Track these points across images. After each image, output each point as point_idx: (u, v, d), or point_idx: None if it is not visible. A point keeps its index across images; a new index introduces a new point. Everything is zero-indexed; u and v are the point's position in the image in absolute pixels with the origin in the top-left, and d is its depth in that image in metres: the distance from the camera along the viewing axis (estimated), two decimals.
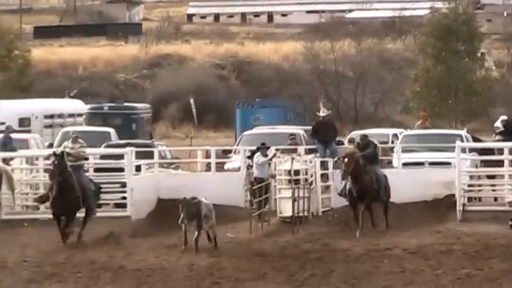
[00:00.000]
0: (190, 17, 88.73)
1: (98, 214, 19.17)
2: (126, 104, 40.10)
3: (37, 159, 23.19)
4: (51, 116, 38.05)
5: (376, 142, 19.37)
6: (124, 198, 20.60)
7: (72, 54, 63.77)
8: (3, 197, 19.78)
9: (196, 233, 14.85)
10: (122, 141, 27.66)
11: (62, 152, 16.88)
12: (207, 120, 51.30)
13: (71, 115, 38.63)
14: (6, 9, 78.81)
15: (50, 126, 36.65)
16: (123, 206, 20.71)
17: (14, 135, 26.86)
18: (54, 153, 17.07)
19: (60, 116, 38.42)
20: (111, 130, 31.08)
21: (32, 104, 40.25)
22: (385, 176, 17.91)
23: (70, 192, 16.33)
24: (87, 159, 18.51)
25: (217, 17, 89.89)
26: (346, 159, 17.18)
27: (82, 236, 16.36)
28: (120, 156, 21.90)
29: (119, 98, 47.42)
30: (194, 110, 50.65)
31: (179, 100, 52.97)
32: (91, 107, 37.98)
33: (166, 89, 54.72)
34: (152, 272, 14.59)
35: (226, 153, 25.08)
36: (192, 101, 49.61)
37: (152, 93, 54.06)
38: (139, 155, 22.14)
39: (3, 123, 30.51)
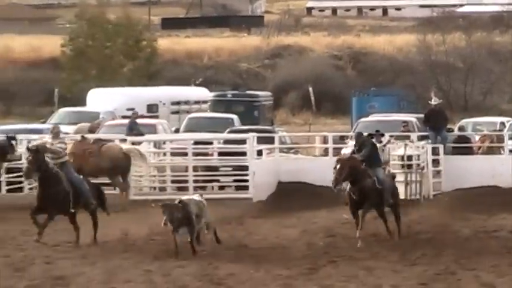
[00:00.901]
0: (309, 10, 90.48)
1: (221, 195, 20.34)
2: (248, 92, 40.75)
3: (164, 143, 24.21)
4: (178, 103, 38.97)
5: (375, 142, 17.13)
6: (246, 181, 21.29)
7: (197, 44, 65.70)
8: (132, 178, 20.98)
9: (189, 238, 13.21)
10: (245, 127, 28.36)
11: (37, 147, 15.18)
12: (324, 107, 52.57)
13: (197, 102, 39.34)
14: (136, 1, 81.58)
15: (177, 112, 37.59)
16: (244, 188, 21.37)
17: (142, 121, 28.06)
18: (28, 148, 15.58)
19: (186, 102, 39.28)
20: (234, 116, 31.82)
21: (160, 91, 41.38)
22: (393, 177, 16.79)
23: (56, 185, 14.52)
24: (65, 155, 15.66)
25: (334, 10, 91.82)
26: (337, 165, 15.20)
27: (96, 240, 14.35)
28: (242, 141, 22.63)
29: (242, 86, 48.36)
30: (313, 98, 51.64)
31: (298, 88, 54.01)
32: (215, 95, 38.60)
33: (286, 78, 56.10)
34: (272, 251, 14.59)
35: (342, 139, 25.63)
36: (310, 89, 50.47)
37: (273, 82, 55.39)
38: (260, 140, 22.73)
39: (132, 109, 30.82)
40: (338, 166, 14.87)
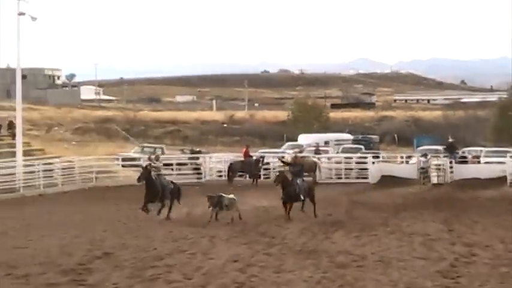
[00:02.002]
0: None
1: (356, 181, 34.77)
2: (367, 135, 57.34)
3: (329, 159, 39.03)
4: (338, 140, 50.89)
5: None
6: (367, 175, 35.48)
7: (346, 115, 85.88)
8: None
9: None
10: (366, 151, 42.93)
11: (146, 166, 22.61)
12: (400, 143, 64.21)
13: (346, 140, 51.77)
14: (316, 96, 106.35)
15: (338, 144, 48.00)
16: (366, 177, 35.37)
17: (322, 148, 41.52)
18: (141, 167, 23.58)
19: (342, 140, 51.12)
20: (362, 146, 45.67)
21: (330, 135, 54.06)
22: (308, 185, 23.63)
23: (153, 187, 21.64)
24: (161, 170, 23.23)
25: None
26: (277, 176, 23.38)
27: (169, 218, 21.67)
28: (364, 158, 37.81)
29: (365, 133, 61.38)
30: (396, 139, 66.18)
31: (389, 135, 69.06)
32: (354, 137, 53.42)
33: (383, 130, 71.68)
34: (383, 203, 27.05)
35: (409, 157, 39.24)
36: (395, 135, 66.98)
37: (379, 131, 68.80)
38: (373, 157, 37.60)
39: (317, 143, 43.16)
40: (277, 176, 23.70)
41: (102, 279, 13.28)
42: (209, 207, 21.05)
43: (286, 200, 22.50)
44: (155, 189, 21.58)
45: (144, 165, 23.92)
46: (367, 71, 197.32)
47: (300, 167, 23.98)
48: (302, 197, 22.71)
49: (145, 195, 21.59)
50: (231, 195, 21.44)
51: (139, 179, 22.13)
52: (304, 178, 24.52)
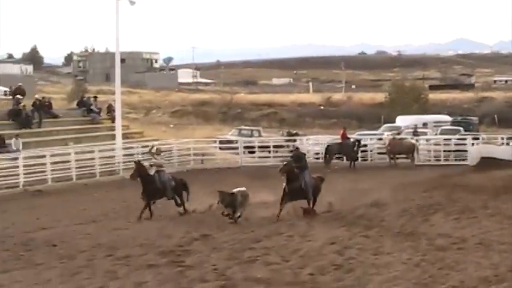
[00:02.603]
0: None
1: (455, 163, 34.01)
2: (467, 117, 53.91)
3: (428, 140, 38.00)
4: (437, 122, 50.26)
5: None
6: (466, 157, 34.68)
7: (445, 96, 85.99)
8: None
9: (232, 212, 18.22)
10: (465, 133, 40.79)
11: (139, 161, 21.18)
12: (500, 125, 61.77)
13: (445, 122, 50.19)
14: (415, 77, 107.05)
15: (436, 126, 47.22)
16: (465, 159, 34.53)
17: (420, 130, 40.82)
18: (134, 162, 21.14)
19: (441, 122, 50.30)
20: (461, 128, 44.11)
21: (428, 117, 53.51)
22: (316, 183, 19.98)
23: (152, 183, 19.81)
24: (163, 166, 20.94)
25: None
26: (283, 167, 19.72)
27: (184, 212, 19.91)
28: (464, 139, 36.70)
29: (464, 114, 59.43)
30: (496, 120, 64.28)
31: (489, 116, 66.53)
32: (453, 119, 51.27)
33: (485, 111, 69.51)
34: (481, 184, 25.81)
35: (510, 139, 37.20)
36: (495, 116, 65.13)
37: (479, 112, 66.07)
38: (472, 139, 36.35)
39: (415, 125, 42.06)
40: (283, 167, 19.77)
41: (200, 261, 13.57)
42: (218, 202, 18.89)
43: (287, 197, 19.68)
44: (153, 186, 20.02)
45: (136, 159, 22.60)
46: (466, 52, 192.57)
47: (304, 161, 20.56)
48: (310, 196, 19.83)
49: (143, 193, 19.94)
50: (243, 189, 19.20)
51: (132, 176, 20.34)
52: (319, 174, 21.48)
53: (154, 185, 19.82)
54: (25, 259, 14.40)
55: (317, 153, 35.91)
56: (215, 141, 39.07)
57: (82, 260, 14.01)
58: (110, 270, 13.06)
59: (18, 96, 34.24)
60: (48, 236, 17.26)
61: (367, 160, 36.08)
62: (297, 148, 23.05)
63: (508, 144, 36.90)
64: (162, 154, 22.20)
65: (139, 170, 20.00)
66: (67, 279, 12.49)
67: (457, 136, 39.67)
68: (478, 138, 37.89)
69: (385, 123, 52.06)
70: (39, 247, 15.70)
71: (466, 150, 35.47)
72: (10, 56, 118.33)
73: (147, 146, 29.14)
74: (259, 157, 36.93)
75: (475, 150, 34.84)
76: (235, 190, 18.75)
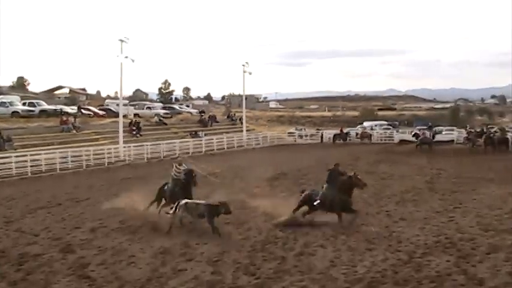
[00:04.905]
0: None
1: None
2: None
3: None
4: None
5: None
6: None
7: None
8: None
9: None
10: None
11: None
12: None
13: None
14: None
15: None
16: None
17: None
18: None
19: None
20: None
21: None
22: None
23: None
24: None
25: None
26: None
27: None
28: None
29: None
30: None
31: None
32: None
33: None
34: None
35: None
36: None
37: None
38: None
39: None
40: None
41: None
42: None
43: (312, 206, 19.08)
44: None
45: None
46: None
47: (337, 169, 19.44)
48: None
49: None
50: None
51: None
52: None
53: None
54: None
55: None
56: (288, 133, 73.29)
57: None
58: None
59: None
60: None
61: (350, 140, 65.24)
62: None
63: (411, 134, 61.52)
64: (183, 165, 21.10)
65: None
66: None
67: (390, 130, 71.26)
68: (398, 131, 71.03)
69: (359, 124, 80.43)
70: None
71: (393, 137, 65.86)
72: None
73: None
74: (305, 138, 71.18)
75: (397, 136, 65.12)
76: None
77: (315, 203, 19.07)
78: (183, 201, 18.09)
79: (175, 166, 21.14)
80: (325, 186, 19.45)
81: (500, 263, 14.34)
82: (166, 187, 21.08)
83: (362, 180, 19.26)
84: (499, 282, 13.10)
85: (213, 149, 55.65)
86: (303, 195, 19.93)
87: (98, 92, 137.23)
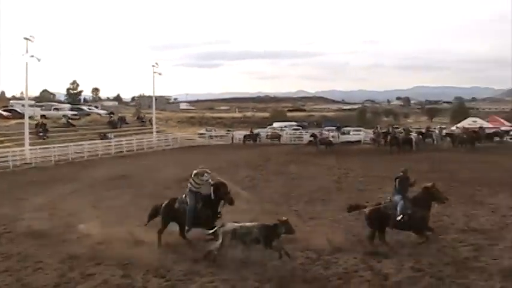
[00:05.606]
0: None
1: None
2: None
3: None
4: None
5: None
6: None
7: None
8: None
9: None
10: None
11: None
12: None
13: None
14: None
15: None
16: None
17: None
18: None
19: None
20: None
21: None
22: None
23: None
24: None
25: None
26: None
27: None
28: None
29: None
30: None
31: None
32: None
33: None
34: None
35: None
36: None
37: None
38: None
39: None
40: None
41: None
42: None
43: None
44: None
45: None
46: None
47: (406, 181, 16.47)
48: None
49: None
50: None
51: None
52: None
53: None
54: None
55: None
56: (198, 134, 74.96)
57: None
58: None
59: None
60: None
61: (260, 141, 65.31)
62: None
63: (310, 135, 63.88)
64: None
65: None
66: None
67: (299, 131, 72.85)
68: (307, 132, 72.26)
69: (268, 125, 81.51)
70: None
71: (302, 137, 67.21)
72: None
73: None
74: (215, 139, 71.64)
75: (306, 136, 65.18)
76: None
77: (398, 219, 16.10)
78: (230, 226, 15.00)
79: (195, 176, 16.84)
80: (398, 197, 16.31)
81: (405, 258, 14.84)
82: (178, 205, 16.90)
83: (443, 193, 16.46)
84: (403, 276, 13.64)
85: (123, 151, 55.33)
86: (367, 210, 16.93)
87: (3, 93, 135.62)
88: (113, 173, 35.36)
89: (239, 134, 71.42)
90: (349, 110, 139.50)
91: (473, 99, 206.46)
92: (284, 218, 15.00)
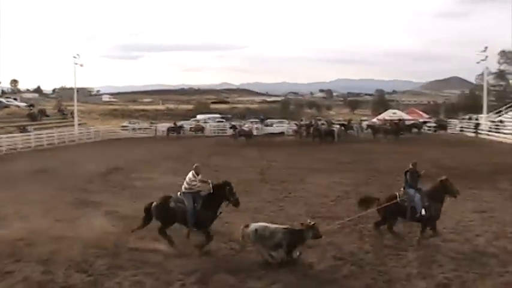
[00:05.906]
0: None
1: None
2: None
3: None
4: None
5: None
6: None
7: None
8: None
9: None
10: None
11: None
12: None
13: None
14: None
15: None
16: None
17: None
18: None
19: None
20: None
21: None
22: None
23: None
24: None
25: None
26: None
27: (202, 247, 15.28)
28: None
29: None
30: None
31: None
32: None
33: None
34: None
35: None
36: None
37: None
38: None
39: None
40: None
41: None
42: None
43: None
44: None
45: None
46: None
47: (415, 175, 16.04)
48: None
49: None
50: None
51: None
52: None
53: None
54: None
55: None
56: (121, 127, 74.58)
57: None
58: None
59: None
60: None
61: (184, 134, 65.66)
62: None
63: (229, 126, 65.52)
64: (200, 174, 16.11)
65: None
66: None
67: (223, 123, 75.81)
68: (230, 124, 75.32)
69: (193, 117, 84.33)
70: None
71: (226, 129, 67.00)
72: None
73: None
74: (138, 132, 71.77)
75: (228, 129, 66.12)
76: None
77: (418, 214, 15.85)
78: (253, 226, 14.17)
79: (192, 174, 15.94)
80: (411, 190, 16.00)
81: (327, 248, 15.13)
82: (173, 203, 15.85)
83: (455, 186, 16.09)
84: (325, 265, 13.85)
85: (43, 145, 54.02)
86: (382, 202, 16.43)
87: None
88: (33, 167, 34.51)
89: (162, 126, 71.19)
90: (272, 102, 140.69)
91: (394, 92, 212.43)
92: (311, 222, 14.04)
